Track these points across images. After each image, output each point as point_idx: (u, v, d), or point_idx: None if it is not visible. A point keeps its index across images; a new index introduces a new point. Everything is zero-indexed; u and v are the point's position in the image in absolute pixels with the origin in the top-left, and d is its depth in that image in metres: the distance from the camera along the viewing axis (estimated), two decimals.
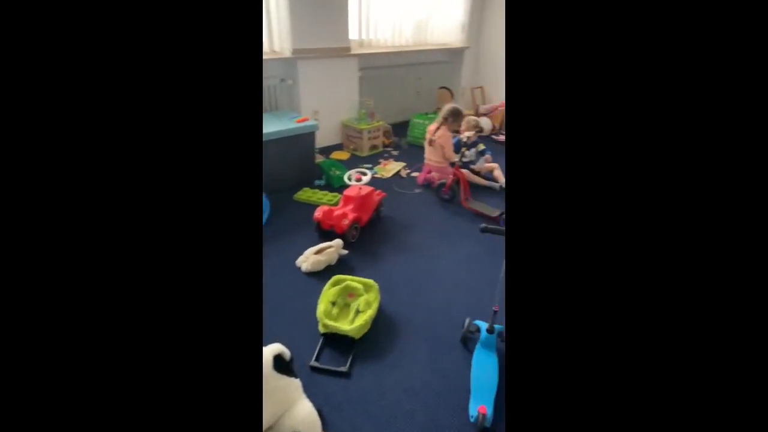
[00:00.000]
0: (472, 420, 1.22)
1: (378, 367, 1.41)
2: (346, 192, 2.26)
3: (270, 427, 1.10)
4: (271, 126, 2.63)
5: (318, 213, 2.17)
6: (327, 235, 2.13)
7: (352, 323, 1.54)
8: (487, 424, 1.19)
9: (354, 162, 3.30)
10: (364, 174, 2.90)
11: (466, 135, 2.83)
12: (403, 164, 3.30)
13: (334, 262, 1.96)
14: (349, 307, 1.65)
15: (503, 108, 4.30)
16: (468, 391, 1.30)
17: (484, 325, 1.46)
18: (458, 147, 2.84)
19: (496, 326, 1.44)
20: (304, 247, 2.02)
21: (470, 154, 2.97)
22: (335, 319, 1.58)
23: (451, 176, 2.67)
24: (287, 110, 3.20)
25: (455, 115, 2.79)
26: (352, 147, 3.57)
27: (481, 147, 3.10)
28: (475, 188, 2.80)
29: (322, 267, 1.91)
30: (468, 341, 1.52)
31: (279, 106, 3.24)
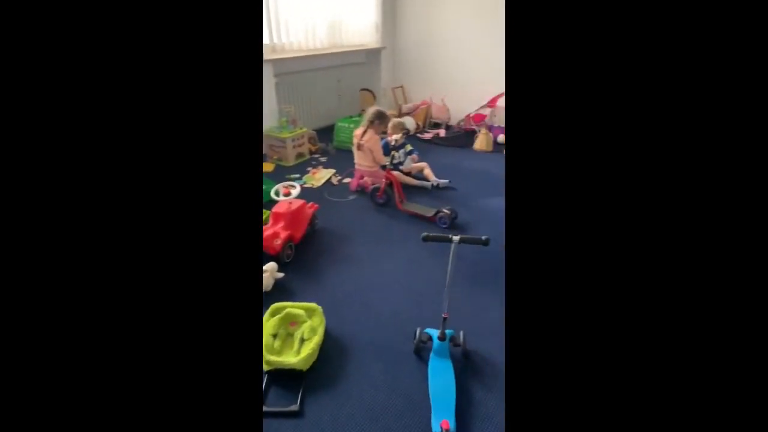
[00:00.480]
0: None
1: (332, 399, 1.31)
2: (275, 208, 2.10)
3: None
4: None
5: None
6: None
7: (298, 354, 1.41)
8: None
9: (280, 173, 3.12)
10: (293, 187, 2.75)
11: (393, 138, 2.81)
12: (333, 171, 3.20)
13: (269, 288, 1.80)
14: (293, 336, 1.52)
15: (425, 106, 4.39)
16: (428, 406, 1.26)
17: (435, 333, 1.43)
18: (387, 149, 2.82)
19: (447, 331, 1.42)
20: None
21: (399, 155, 2.96)
22: (278, 353, 1.44)
23: (383, 180, 2.63)
24: None
25: (381, 118, 2.77)
26: (276, 157, 3.38)
27: (409, 147, 3.11)
28: (407, 189, 2.79)
29: None
30: (422, 351, 1.48)
31: None
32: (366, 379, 1.38)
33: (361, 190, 2.86)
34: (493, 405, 1.29)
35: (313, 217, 2.28)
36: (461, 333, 1.48)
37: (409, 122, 4.11)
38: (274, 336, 1.49)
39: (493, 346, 1.51)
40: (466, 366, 1.44)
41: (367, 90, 4.53)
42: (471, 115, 4.11)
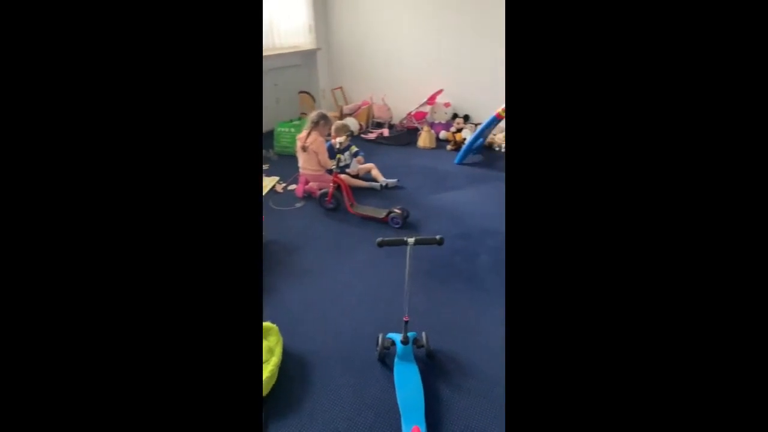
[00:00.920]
0: None
1: (298, 420, 1.23)
2: None
3: None
4: None
5: None
6: None
7: None
8: None
9: None
10: None
11: (338, 140, 2.75)
12: (277, 178, 3.06)
13: None
14: None
15: (366, 106, 4.37)
16: (398, 414, 1.23)
17: (398, 337, 1.41)
18: (332, 153, 2.75)
19: (410, 334, 1.40)
20: None
21: (345, 158, 2.91)
22: None
23: (331, 184, 2.56)
24: None
25: (325, 119, 2.70)
26: None
27: (354, 149, 3.07)
28: (356, 192, 2.75)
29: None
30: (386, 357, 1.45)
31: None
32: (331, 395, 1.32)
33: (309, 197, 2.77)
34: (462, 404, 1.29)
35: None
36: (423, 334, 1.47)
37: (352, 123, 4.06)
38: None
39: (456, 343, 1.52)
40: (431, 367, 1.43)
41: (306, 92, 4.41)
42: (412, 113, 4.16)
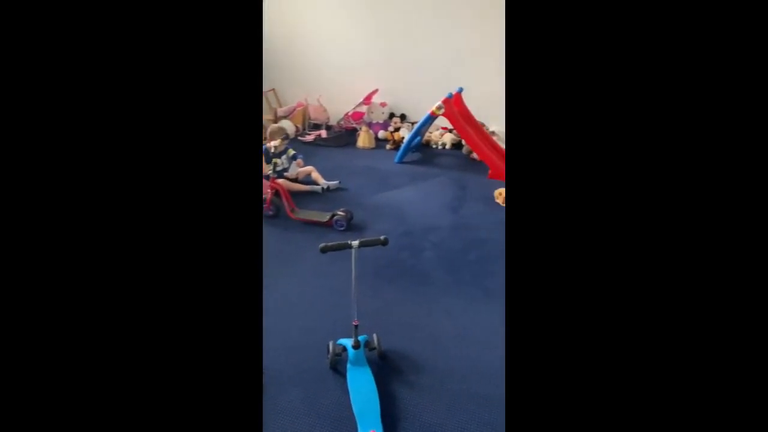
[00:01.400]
0: None
1: None
2: None
3: None
4: None
5: None
6: None
7: None
8: None
9: None
10: None
11: (272, 144, 2.65)
12: None
13: None
14: None
15: (301, 108, 4.26)
16: (355, 421, 1.21)
17: (349, 342, 1.38)
18: (267, 157, 2.64)
19: (361, 338, 1.38)
20: None
21: (282, 162, 2.81)
22: None
23: (269, 190, 2.46)
24: None
25: None
26: None
27: (292, 152, 2.97)
28: (297, 196, 2.67)
29: None
30: (338, 364, 1.42)
31: None
32: (285, 410, 1.26)
33: None
34: (416, 401, 1.30)
35: None
36: (375, 336, 1.47)
37: (288, 126, 3.94)
38: None
39: (407, 341, 1.53)
40: (385, 368, 1.42)
41: None
42: (349, 114, 4.13)
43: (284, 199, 2.43)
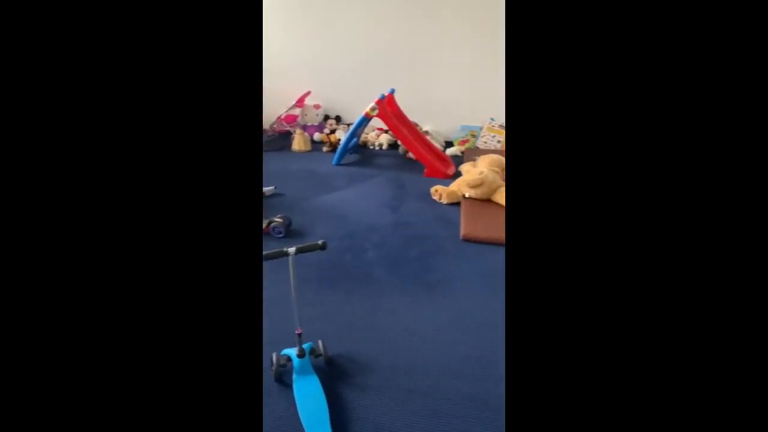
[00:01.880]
0: None
1: None
2: None
3: None
4: None
5: None
6: None
7: None
8: None
9: None
10: None
11: None
12: None
13: None
14: None
15: None
16: None
17: (293, 352, 1.34)
18: None
19: (305, 346, 1.35)
20: None
21: None
22: None
23: None
24: None
25: None
26: None
27: None
28: None
29: None
30: (283, 376, 1.37)
31: None
32: None
33: None
34: (365, 403, 1.29)
35: None
36: (320, 342, 1.44)
37: None
38: None
39: (354, 343, 1.53)
40: (332, 374, 1.40)
41: None
42: (282, 117, 4.02)
43: None
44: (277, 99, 4.03)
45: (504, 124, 3.67)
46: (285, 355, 1.37)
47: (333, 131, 3.93)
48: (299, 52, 4.04)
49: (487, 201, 2.61)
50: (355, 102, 3.86)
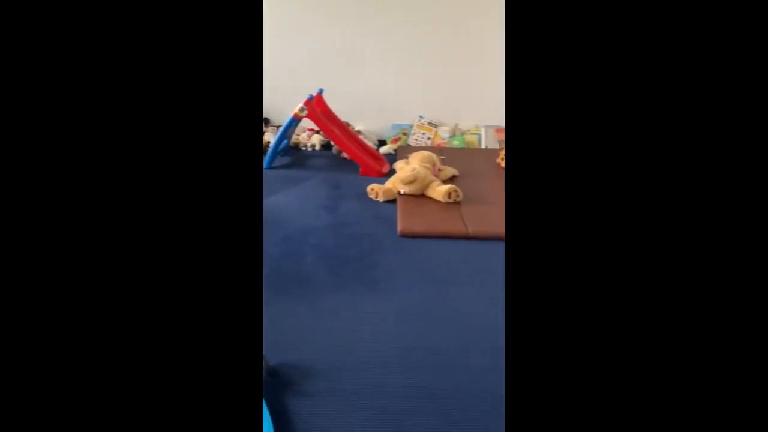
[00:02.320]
0: None
1: None
2: None
3: None
4: None
5: None
6: None
7: None
8: None
9: None
10: None
11: None
12: None
13: None
14: None
15: None
16: None
17: None
18: None
19: None
20: None
21: None
22: None
23: None
24: None
25: None
26: None
27: None
28: None
29: None
30: None
31: None
32: None
33: None
34: (313, 410, 1.27)
35: None
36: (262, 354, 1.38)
37: None
38: None
39: (297, 350, 1.49)
40: (275, 385, 1.35)
41: None
42: None
43: None
44: None
45: (432, 122, 3.81)
46: None
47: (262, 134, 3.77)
48: None
49: (422, 196, 2.69)
50: (282, 104, 3.74)
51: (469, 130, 3.83)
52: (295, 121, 3.14)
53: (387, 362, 1.43)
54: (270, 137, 3.66)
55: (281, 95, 3.85)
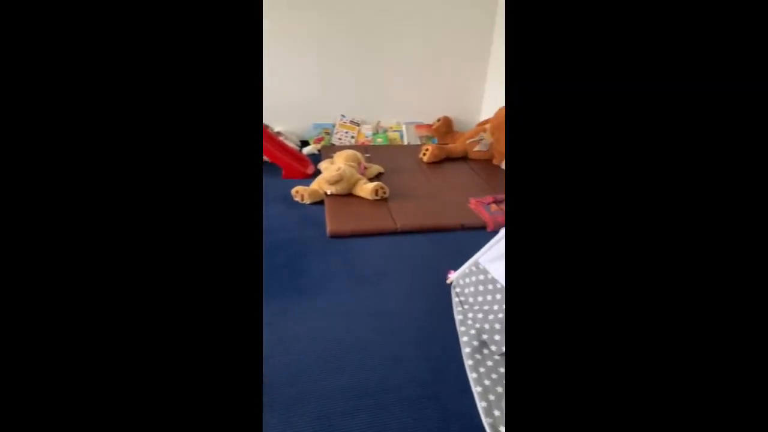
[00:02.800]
0: None
1: None
2: None
3: None
4: None
5: None
6: None
7: None
8: None
9: None
10: None
11: None
12: None
13: None
14: None
15: None
16: None
17: None
18: None
19: None
20: None
21: None
22: None
23: None
24: None
25: None
26: None
27: None
28: None
29: None
30: None
31: None
32: None
33: None
34: (272, 422, 1.19)
35: None
36: None
37: None
38: None
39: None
40: None
41: None
42: None
43: None
44: None
45: (355, 120, 3.82)
46: None
47: None
48: None
49: (349, 195, 2.68)
50: None
51: (391, 127, 3.91)
52: None
53: (321, 368, 1.41)
54: None
55: None
